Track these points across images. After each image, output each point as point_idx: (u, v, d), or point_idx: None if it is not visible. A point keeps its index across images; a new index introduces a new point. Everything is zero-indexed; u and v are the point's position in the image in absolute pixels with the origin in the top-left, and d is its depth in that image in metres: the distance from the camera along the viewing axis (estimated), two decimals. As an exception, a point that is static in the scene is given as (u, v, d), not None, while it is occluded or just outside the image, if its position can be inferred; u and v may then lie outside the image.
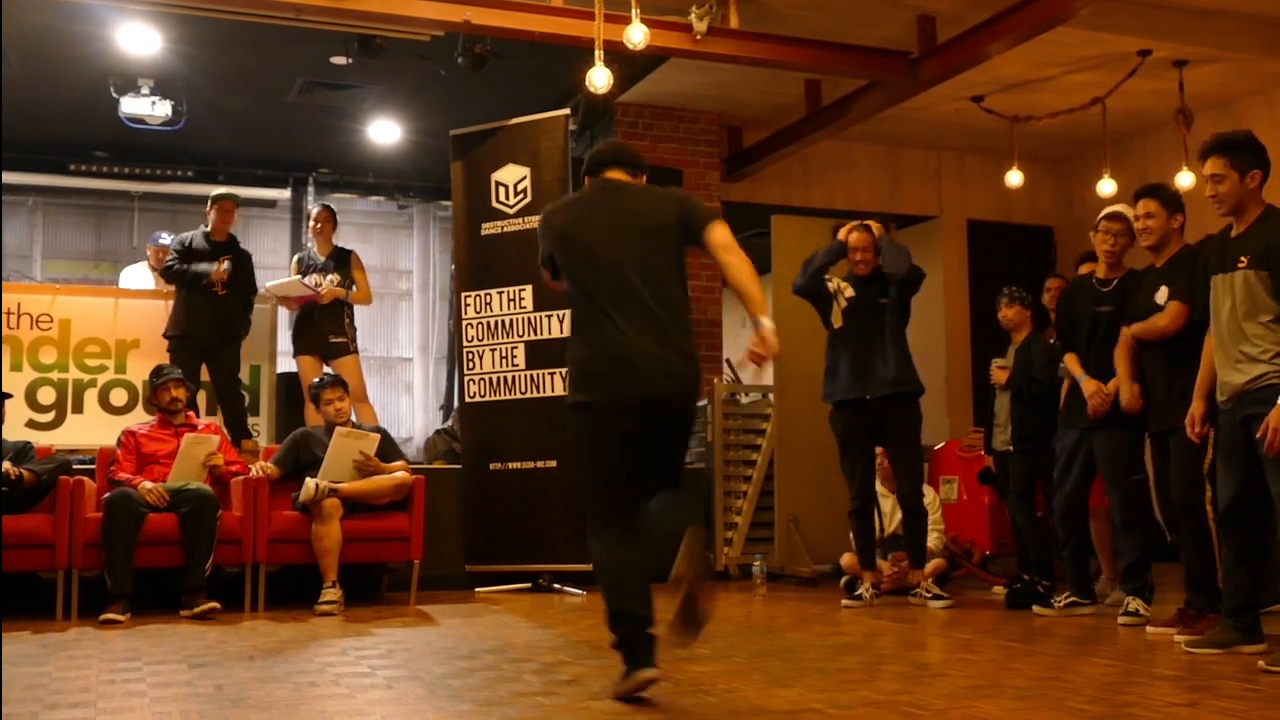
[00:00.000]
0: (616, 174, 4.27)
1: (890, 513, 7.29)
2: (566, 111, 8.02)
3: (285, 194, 12.24)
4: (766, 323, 4.12)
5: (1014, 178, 9.21)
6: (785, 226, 8.72)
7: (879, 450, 6.96)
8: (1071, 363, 6.00)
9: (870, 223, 6.87)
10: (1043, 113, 9.14)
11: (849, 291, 6.77)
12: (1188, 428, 5.01)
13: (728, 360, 9.93)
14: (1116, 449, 5.81)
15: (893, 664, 4.67)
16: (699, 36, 7.37)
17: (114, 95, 9.32)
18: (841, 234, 6.83)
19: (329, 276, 8.08)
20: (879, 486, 7.15)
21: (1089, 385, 5.83)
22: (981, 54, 7.65)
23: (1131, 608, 5.69)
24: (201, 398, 7.77)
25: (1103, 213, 6.08)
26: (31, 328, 8.01)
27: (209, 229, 7.91)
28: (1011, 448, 6.78)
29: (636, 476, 3.99)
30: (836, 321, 6.82)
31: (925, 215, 10.87)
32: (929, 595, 6.61)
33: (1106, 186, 8.84)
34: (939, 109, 9.32)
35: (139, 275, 9.12)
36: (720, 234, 4.13)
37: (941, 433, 9.61)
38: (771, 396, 8.64)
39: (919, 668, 4.64)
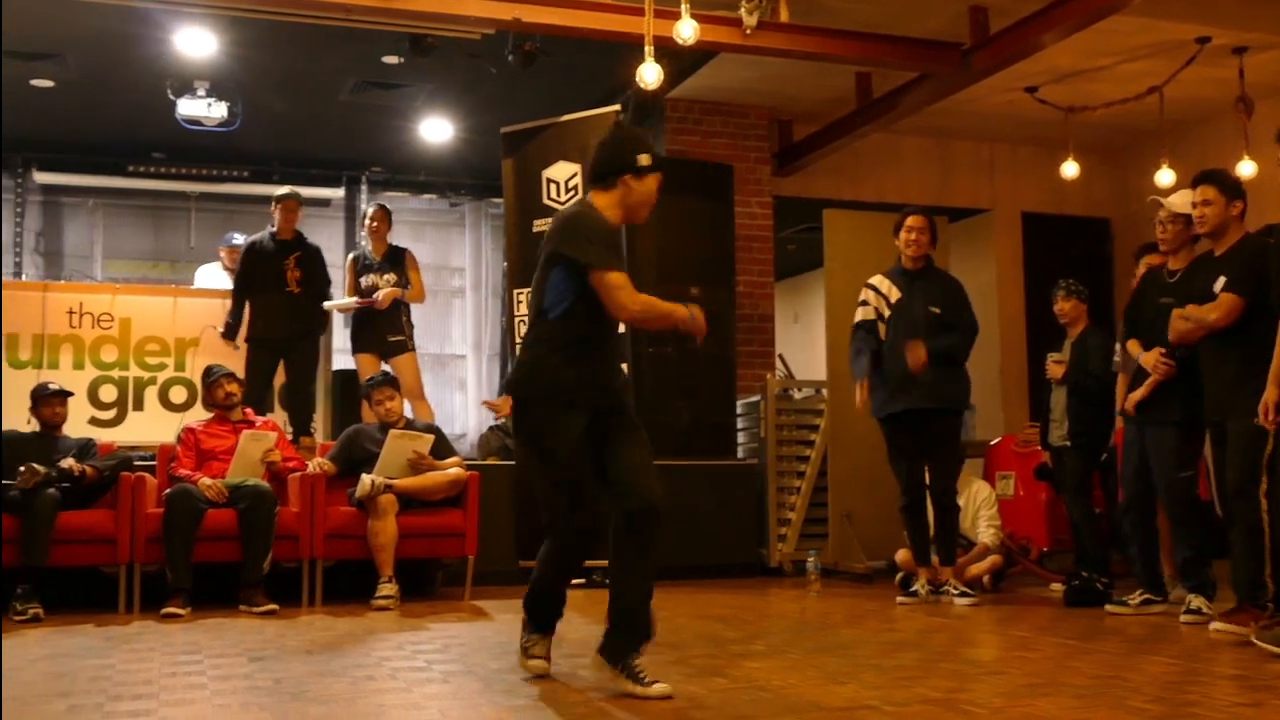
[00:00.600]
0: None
1: (943, 508, 7.22)
2: (617, 108, 8.02)
3: (339, 193, 12.35)
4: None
5: (1069, 169, 9.11)
6: (836, 220, 8.69)
7: None
8: (1133, 346, 5.93)
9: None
10: (1098, 103, 9.02)
11: (894, 296, 6.64)
12: (1261, 415, 4.89)
13: (780, 355, 9.91)
14: (1166, 444, 5.74)
15: (949, 661, 4.64)
16: (749, 31, 7.35)
17: (171, 97, 9.45)
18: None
19: (385, 276, 8.13)
20: None
21: (1150, 357, 5.74)
22: (1034, 44, 7.57)
23: (1194, 605, 5.61)
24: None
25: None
26: (93, 327, 8.16)
27: (275, 229, 8.00)
28: (1068, 443, 6.71)
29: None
30: (883, 329, 6.69)
31: (977, 208, 10.78)
32: (955, 592, 6.49)
33: (1165, 177, 8.72)
34: (991, 100, 9.24)
35: (213, 275, 9.23)
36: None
37: (997, 428, 9.53)
38: (825, 392, 8.61)
39: (975, 665, 4.61)
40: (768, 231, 9.90)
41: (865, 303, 6.76)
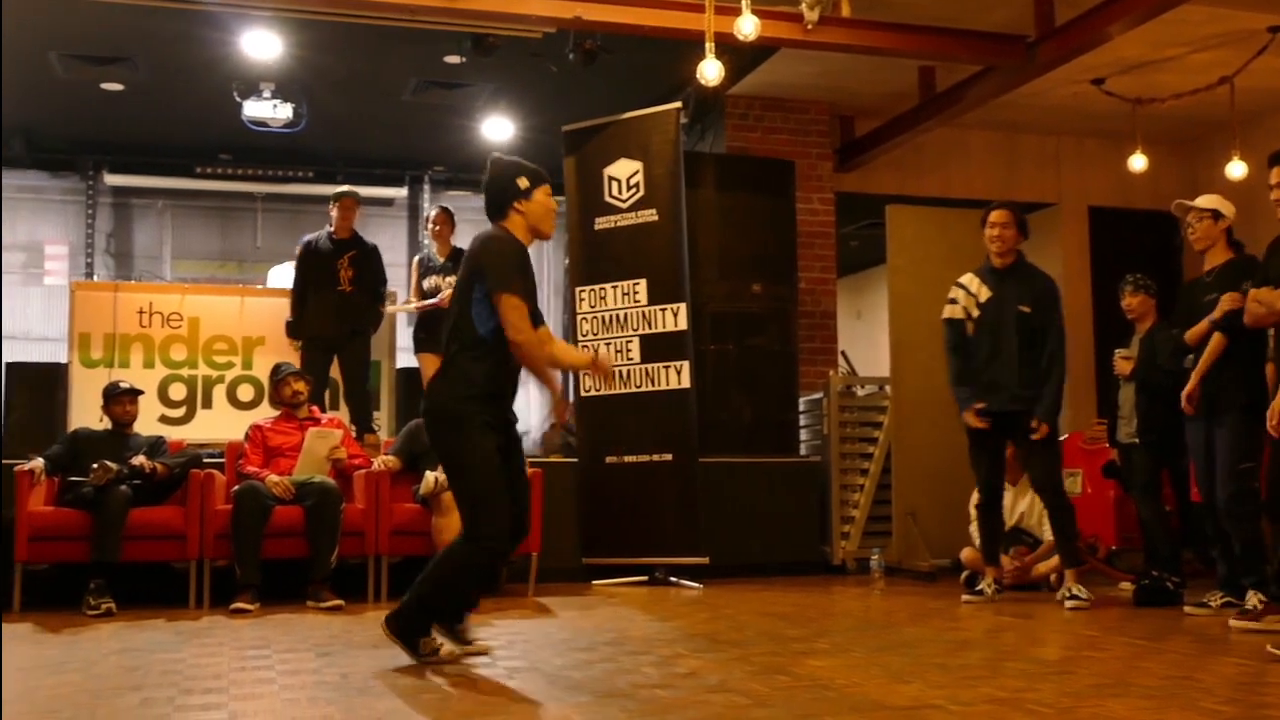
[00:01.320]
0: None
1: (1010, 507, 7.13)
2: (678, 105, 8.02)
3: (402, 192, 12.45)
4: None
5: (1137, 162, 8.99)
6: (900, 216, 8.62)
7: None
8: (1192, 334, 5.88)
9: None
10: (1166, 94, 8.88)
11: (983, 296, 6.49)
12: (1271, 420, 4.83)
13: (842, 352, 9.85)
14: (1231, 433, 5.63)
15: (1015, 660, 4.58)
16: (810, 26, 7.31)
17: (237, 99, 9.58)
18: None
19: (448, 279, 8.17)
20: None
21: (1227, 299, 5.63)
22: (1101, 35, 7.46)
23: (1250, 604, 5.52)
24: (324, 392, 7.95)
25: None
26: (163, 326, 8.30)
27: (332, 228, 8.07)
28: (1137, 440, 6.62)
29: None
30: (969, 326, 6.53)
31: (1043, 202, 10.65)
32: (1069, 596, 6.24)
33: (1236, 169, 8.57)
34: (1057, 93, 9.12)
35: (286, 274, 9.32)
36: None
37: (1064, 425, 9.41)
38: (888, 389, 8.55)
39: (1043, 665, 4.55)
40: (829, 228, 9.85)
41: (954, 300, 6.59)
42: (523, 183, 4.45)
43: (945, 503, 7.73)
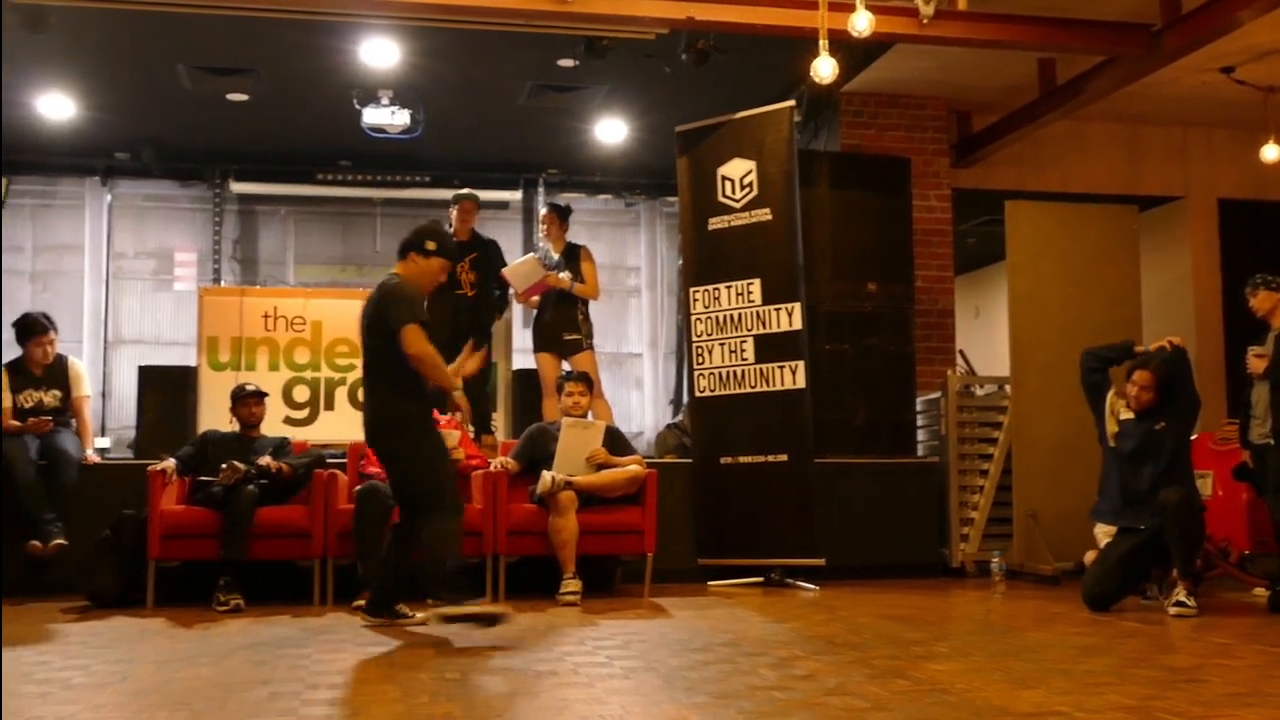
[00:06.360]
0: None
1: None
2: (791, 103, 7.97)
3: (516, 195, 12.58)
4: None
5: (1270, 153, 8.71)
6: (1019, 212, 8.46)
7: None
8: None
9: (1171, 342, 6.51)
10: (1301, 82, 8.58)
11: (1124, 414, 6.48)
12: None
13: (961, 351, 9.70)
14: None
15: (1143, 668, 4.46)
16: (926, 20, 7.21)
17: (356, 107, 9.77)
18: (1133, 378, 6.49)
19: (561, 274, 8.23)
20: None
21: None
22: (1231, 21, 7.23)
23: None
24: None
25: None
26: (287, 330, 8.51)
27: (452, 230, 8.17)
28: (1270, 440, 6.43)
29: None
30: (1110, 441, 6.54)
31: (1170, 196, 10.36)
32: (1173, 600, 6.10)
33: (1374, 158, 8.23)
34: (1184, 82, 8.86)
35: None
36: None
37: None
38: (1008, 388, 8.39)
39: (1172, 672, 4.42)
40: (947, 225, 9.70)
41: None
42: (430, 245, 5.61)
43: (1067, 504, 7.56)
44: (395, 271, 5.56)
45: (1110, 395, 6.63)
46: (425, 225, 5.81)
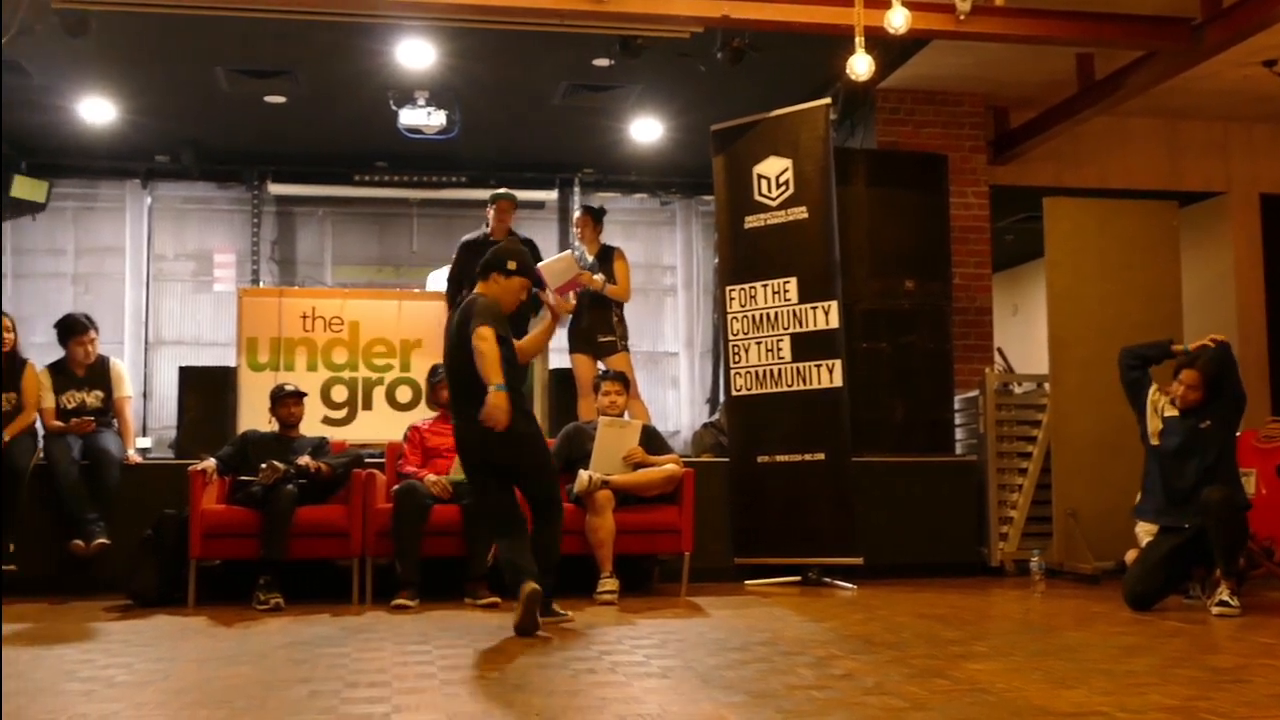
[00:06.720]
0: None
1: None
2: (827, 101, 7.94)
3: (552, 195, 12.61)
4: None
5: (1313, 147, 8.58)
6: (1058, 208, 8.38)
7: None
8: None
9: (1215, 339, 6.47)
10: (1345, 75, 8.46)
11: (1168, 411, 6.44)
12: None
13: (999, 349, 9.63)
14: None
15: (1186, 668, 4.42)
16: (963, 16, 7.17)
17: (393, 108, 9.82)
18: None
19: (595, 276, 8.23)
20: None
21: None
22: (1272, 15, 7.14)
23: None
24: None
25: None
26: (325, 330, 8.54)
27: (489, 229, 8.20)
28: (1316, 437, 6.32)
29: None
30: (1153, 438, 6.49)
31: (1211, 191, 10.26)
32: (1216, 599, 6.02)
33: None
34: (1225, 76, 8.76)
35: (444, 279, 9.49)
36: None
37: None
38: (1047, 386, 8.32)
39: (1215, 673, 4.37)
40: (984, 222, 9.64)
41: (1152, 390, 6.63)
42: (511, 265, 5.75)
43: (1108, 503, 7.48)
44: (478, 291, 5.73)
45: (1152, 391, 6.57)
46: (505, 245, 6.08)
